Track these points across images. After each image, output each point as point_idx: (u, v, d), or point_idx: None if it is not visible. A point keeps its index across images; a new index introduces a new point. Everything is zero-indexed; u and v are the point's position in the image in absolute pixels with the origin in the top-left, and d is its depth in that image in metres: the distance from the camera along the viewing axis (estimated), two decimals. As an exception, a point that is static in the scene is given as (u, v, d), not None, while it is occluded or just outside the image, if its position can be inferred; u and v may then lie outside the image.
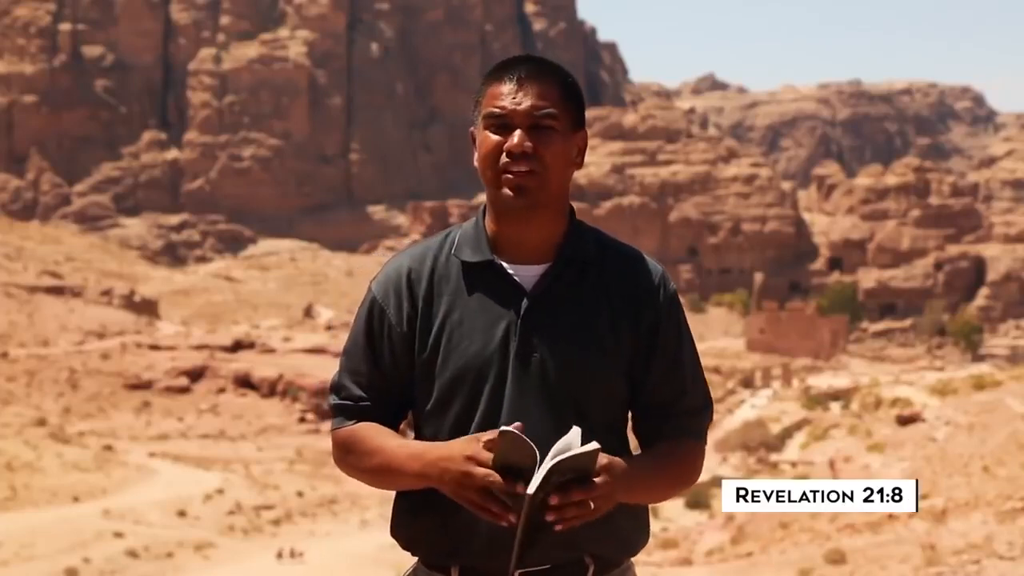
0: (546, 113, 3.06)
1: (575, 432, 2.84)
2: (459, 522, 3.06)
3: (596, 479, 2.83)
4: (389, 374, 3.14)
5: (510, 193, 3.05)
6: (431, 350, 3.10)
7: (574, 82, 3.15)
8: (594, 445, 2.81)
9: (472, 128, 3.17)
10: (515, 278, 3.11)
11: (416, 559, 3.21)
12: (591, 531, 3.05)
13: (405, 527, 3.18)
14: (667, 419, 3.15)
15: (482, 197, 3.19)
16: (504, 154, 3.04)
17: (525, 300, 3.08)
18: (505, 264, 3.12)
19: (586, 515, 2.84)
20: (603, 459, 2.88)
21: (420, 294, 3.13)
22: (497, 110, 3.06)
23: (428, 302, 3.12)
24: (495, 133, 3.06)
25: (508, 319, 3.07)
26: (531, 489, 2.77)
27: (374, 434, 3.10)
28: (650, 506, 3.27)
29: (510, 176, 3.04)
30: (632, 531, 3.18)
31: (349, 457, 3.13)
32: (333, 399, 3.19)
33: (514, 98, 3.05)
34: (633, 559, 3.31)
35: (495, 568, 3.06)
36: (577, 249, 3.14)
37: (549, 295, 3.10)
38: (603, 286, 3.14)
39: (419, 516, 3.13)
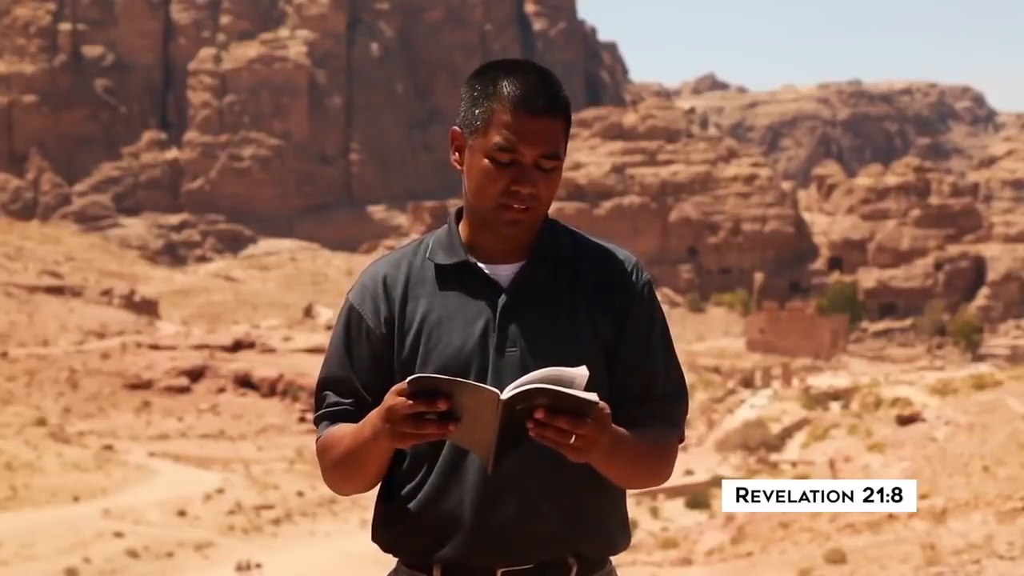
0: (554, 155, 3.06)
1: (583, 372, 2.83)
2: (442, 520, 3.08)
3: (587, 419, 2.81)
4: (369, 379, 3.15)
5: (504, 226, 3.08)
6: (410, 350, 3.11)
7: (569, 101, 3.12)
8: (595, 396, 2.81)
9: (456, 127, 3.13)
10: (491, 276, 3.13)
11: (397, 561, 3.21)
12: (575, 528, 3.08)
13: (387, 529, 3.18)
14: (639, 405, 3.13)
15: None
16: (508, 188, 3.05)
17: (502, 297, 3.11)
18: (480, 264, 3.14)
19: (562, 446, 2.82)
20: (603, 408, 2.86)
21: (396, 297, 3.15)
22: (506, 144, 3.03)
23: (404, 304, 3.14)
24: (497, 165, 3.04)
25: (486, 316, 3.09)
26: (505, 395, 2.78)
27: (343, 426, 3.12)
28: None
29: (508, 213, 3.06)
30: (614, 530, 3.18)
31: (325, 456, 3.14)
32: (315, 413, 3.21)
33: (527, 137, 3.03)
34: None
35: (478, 564, 3.08)
36: (551, 246, 3.16)
37: (526, 291, 3.12)
38: (579, 280, 3.16)
39: (401, 517, 3.13)
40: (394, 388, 2.89)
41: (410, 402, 2.83)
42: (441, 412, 2.83)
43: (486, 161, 3.05)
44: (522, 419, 2.81)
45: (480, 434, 2.85)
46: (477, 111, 3.08)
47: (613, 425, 2.91)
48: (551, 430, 2.80)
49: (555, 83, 3.09)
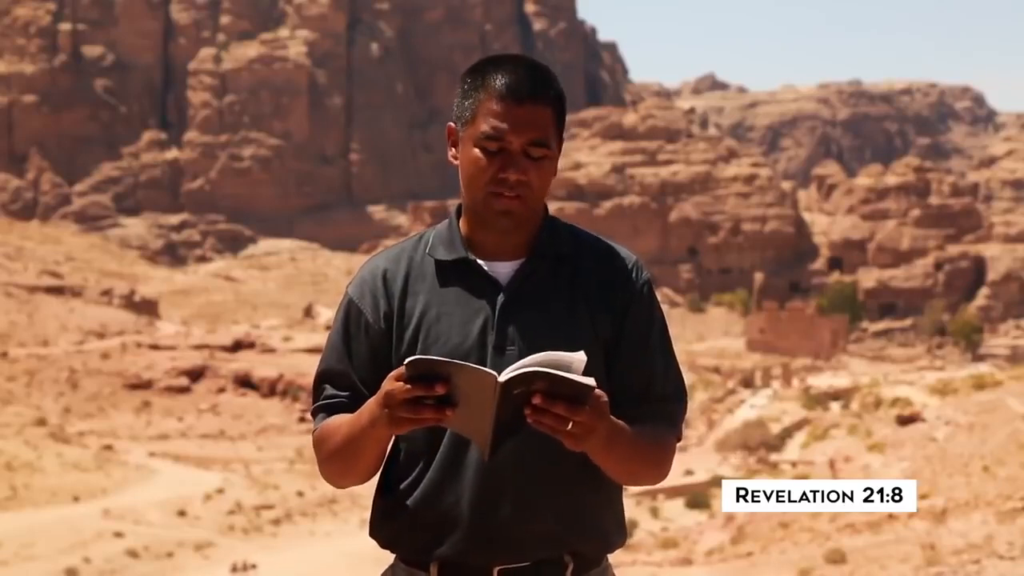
0: (542, 142, 3.06)
1: (581, 356, 2.82)
2: (440, 516, 3.08)
3: (584, 406, 2.80)
4: (367, 374, 3.15)
5: (495, 216, 3.08)
6: (408, 346, 3.11)
7: (563, 96, 3.13)
8: (591, 380, 2.80)
9: (451, 123, 3.15)
10: (490, 274, 3.13)
11: (394, 557, 3.22)
12: (573, 527, 3.09)
13: (384, 525, 3.19)
14: (638, 405, 3.13)
15: None
16: (496, 176, 3.06)
17: (501, 295, 3.11)
18: (480, 261, 3.14)
19: (559, 432, 2.82)
20: (600, 396, 2.86)
21: (396, 292, 3.15)
22: (493, 132, 3.05)
23: (403, 300, 3.15)
24: (486, 154, 3.06)
25: (485, 313, 3.10)
26: (503, 378, 2.78)
27: (340, 416, 3.13)
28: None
29: (497, 201, 3.07)
30: (611, 528, 3.19)
31: (322, 448, 3.14)
32: (313, 407, 3.22)
33: (513, 121, 3.04)
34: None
35: (475, 562, 3.09)
36: (551, 244, 3.16)
37: (525, 289, 3.12)
38: (578, 279, 3.16)
39: (399, 512, 3.14)
40: (392, 373, 2.89)
41: (408, 386, 2.83)
42: (439, 397, 2.83)
43: (476, 150, 3.07)
44: (519, 405, 2.80)
45: (477, 420, 2.84)
46: (467, 103, 3.10)
47: (611, 417, 2.91)
48: (548, 416, 2.79)
49: (545, 73, 3.09)
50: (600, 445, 2.90)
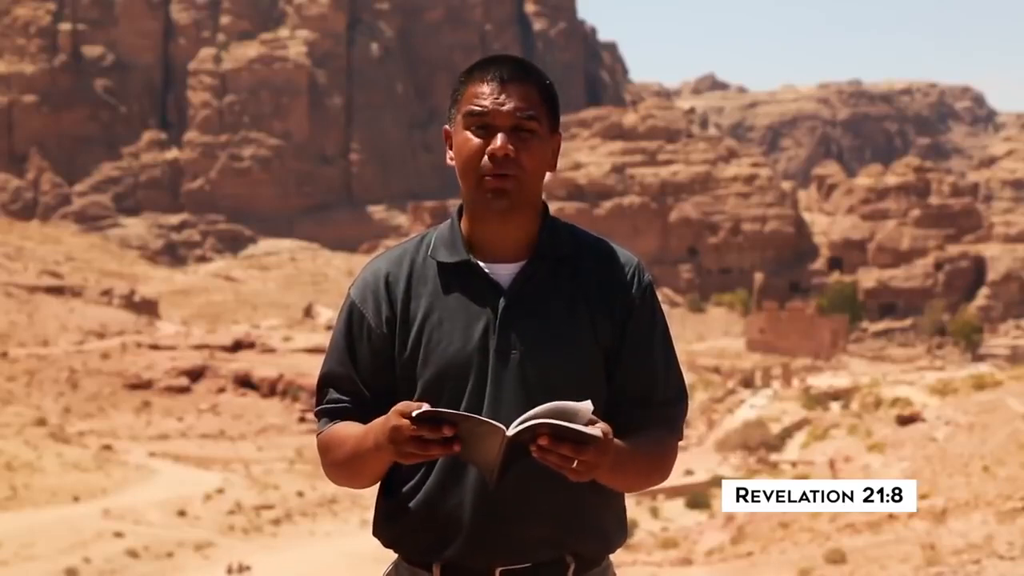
0: (528, 115, 3.07)
1: (587, 406, 2.86)
2: (442, 518, 3.09)
3: (589, 447, 2.83)
4: (369, 376, 3.16)
5: (490, 197, 3.08)
6: (411, 350, 3.12)
7: (552, 85, 3.17)
8: (598, 432, 2.84)
9: (446, 126, 3.18)
10: (492, 277, 3.14)
11: (396, 556, 3.23)
12: (573, 528, 3.10)
13: (387, 526, 3.20)
14: (639, 410, 3.15)
15: None
16: (485, 156, 3.07)
17: (502, 298, 3.11)
18: (481, 263, 3.15)
19: (564, 469, 2.85)
20: (607, 433, 2.88)
21: (398, 296, 3.16)
22: (479, 108, 3.07)
23: (406, 303, 3.15)
24: (475, 134, 3.08)
25: (486, 317, 3.10)
26: (511, 432, 2.82)
27: (346, 426, 3.14)
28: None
29: (490, 180, 3.07)
30: (611, 528, 3.20)
31: (327, 455, 3.16)
32: (316, 409, 3.24)
33: (496, 98, 3.07)
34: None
35: (477, 563, 3.10)
36: (552, 246, 3.17)
37: (526, 292, 3.13)
38: (579, 281, 3.16)
39: (402, 513, 3.15)
40: (399, 408, 2.90)
41: (415, 426, 2.85)
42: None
43: (465, 132, 3.10)
44: (526, 442, 2.85)
45: (483, 456, 2.89)
46: (457, 96, 3.15)
47: (616, 445, 2.93)
48: (554, 455, 2.83)
49: (530, 64, 3.15)
50: (604, 474, 2.93)
